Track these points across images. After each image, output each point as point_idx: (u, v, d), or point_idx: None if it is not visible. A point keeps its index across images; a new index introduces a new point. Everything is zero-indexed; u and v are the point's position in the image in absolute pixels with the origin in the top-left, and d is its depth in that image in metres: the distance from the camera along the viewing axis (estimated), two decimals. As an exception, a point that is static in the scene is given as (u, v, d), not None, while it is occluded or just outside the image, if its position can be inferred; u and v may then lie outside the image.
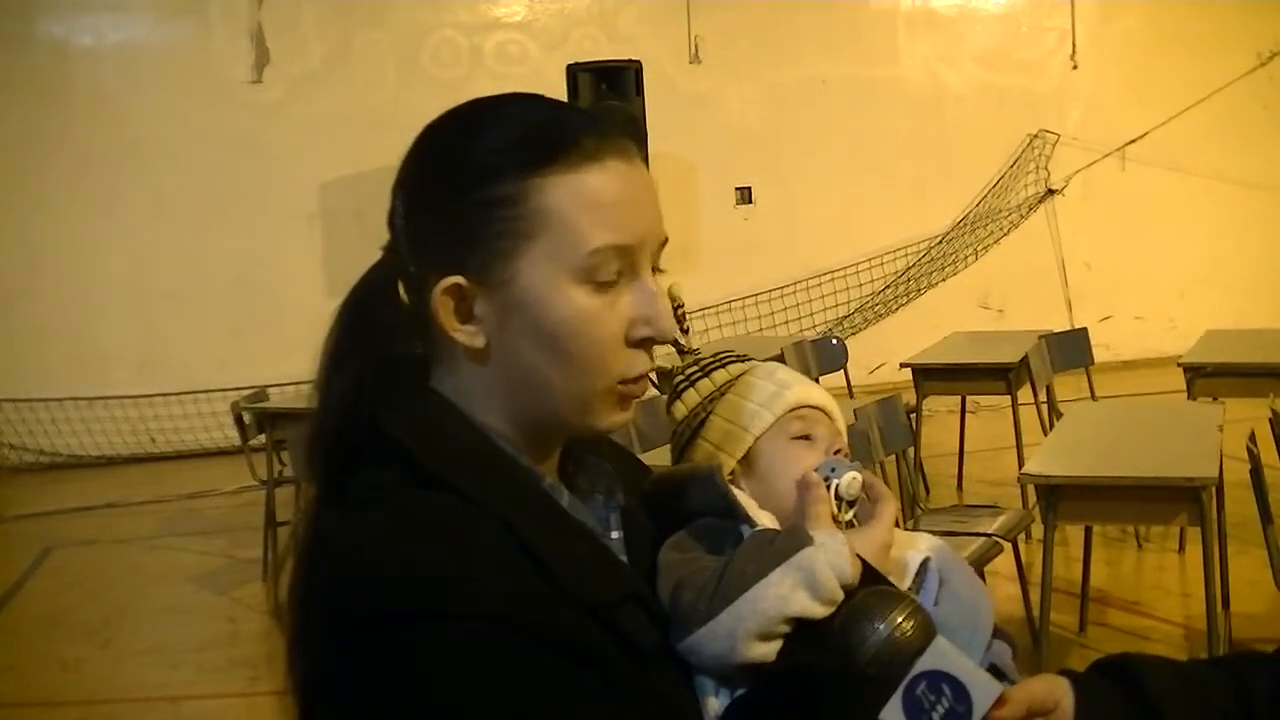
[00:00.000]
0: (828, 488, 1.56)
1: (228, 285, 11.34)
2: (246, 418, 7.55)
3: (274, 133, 11.38)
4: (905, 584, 1.55)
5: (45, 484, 10.16)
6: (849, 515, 1.56)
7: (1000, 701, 1.32)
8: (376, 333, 1.42)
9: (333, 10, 11.59)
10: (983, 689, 1.30)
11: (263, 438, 7.47)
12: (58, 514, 9.48)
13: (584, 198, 1.34)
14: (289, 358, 10.23)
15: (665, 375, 1.82)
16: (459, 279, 1.35)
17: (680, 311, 1.80)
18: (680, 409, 1.70)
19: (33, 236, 11.00)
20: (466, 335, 1.37)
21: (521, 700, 1.24)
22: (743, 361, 1.73)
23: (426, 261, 1.38)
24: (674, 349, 1.71)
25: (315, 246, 11.52)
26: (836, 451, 1.64)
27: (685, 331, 1.85)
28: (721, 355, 1.74)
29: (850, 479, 1.56)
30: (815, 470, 1.58)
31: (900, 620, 1.32)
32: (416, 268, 1.38)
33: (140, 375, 11.19)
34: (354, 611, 1.26)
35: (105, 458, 11.14)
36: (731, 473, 1.63)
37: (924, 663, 1.30)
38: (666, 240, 1.42)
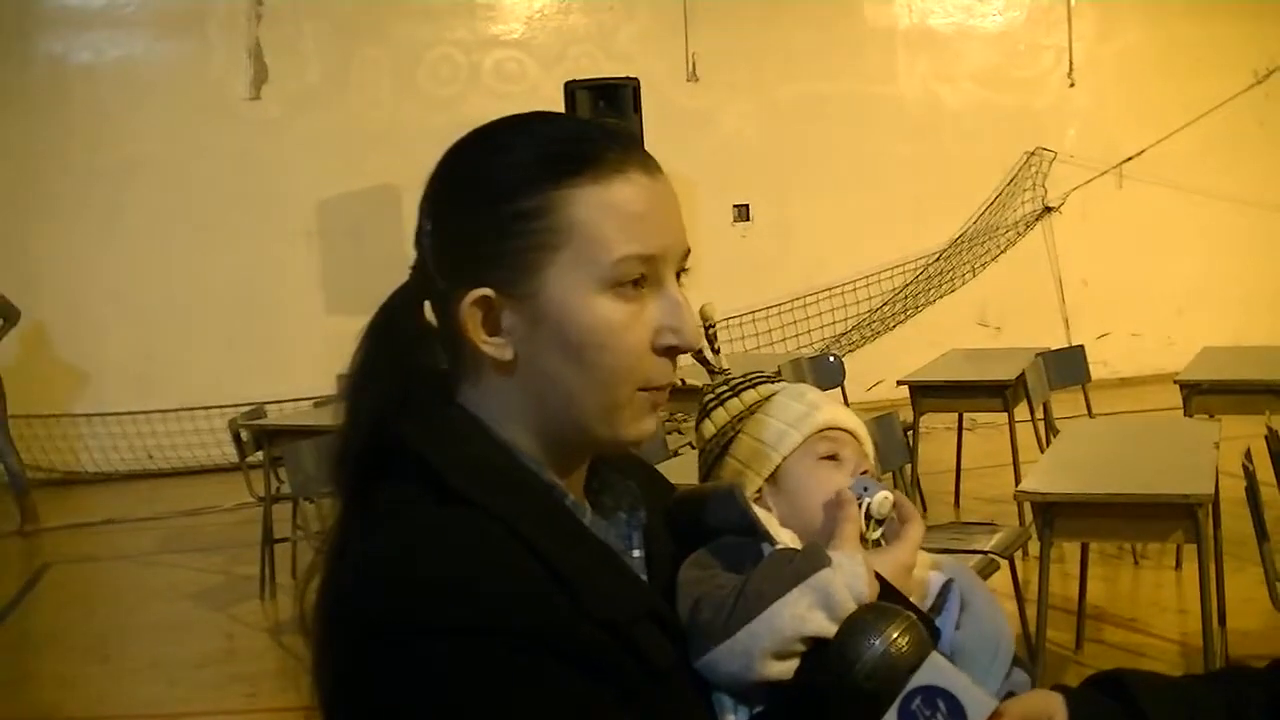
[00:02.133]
0: (859, 506, 1.56)
1: (226, 302, 11.34)
2: (244, 434, 7.55)
3: (272, 150, 11.40)
4: (926, 605, 1.55)
5: (43, 500, 10.13)
6: (877, 534, 1.57)
7: (995, 716, 1.33)
8: (403, 351, 1.43)
9: (331, 28, 11.61)
10: (977, 704, 1.31)
11: (260, 454, 7.47)
12: (56, 530, 9.48)
13: (609, 209, 1.36)
14: (287, 374, 10.27)
15: (696, 394, 1.82)
16: (487, 291, 1.37)
17: (712, 331, 1.81)
18: (709, 427, 1.71)
19: (31, 252, 11.01)
20: (494, 347, 1.39)
21: (536, 715, 1.26)
22: (773, 382, 1.74)
23: (454, 275, 1.39)
24: (705, 369, 1.71)
25: (313, 263, 11.54)
26: (863, 473, 1.64)
27: (717, 352, 1.86)
28: (752, 376, 1.75)
29: (882, 498, 1.57)
30: (849, 489, 1.59)
31: (896, 636, 1.32)
32: (444, 282, 1.40)
33: (138, 392, 11.19)
34: (373, 623, 1.28)
35: (103, 474, 11.16)
36: (759, 491, 1.65)
37: (919, 678, 1.31)
38: (689, 251, 1.44)
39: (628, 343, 1.37)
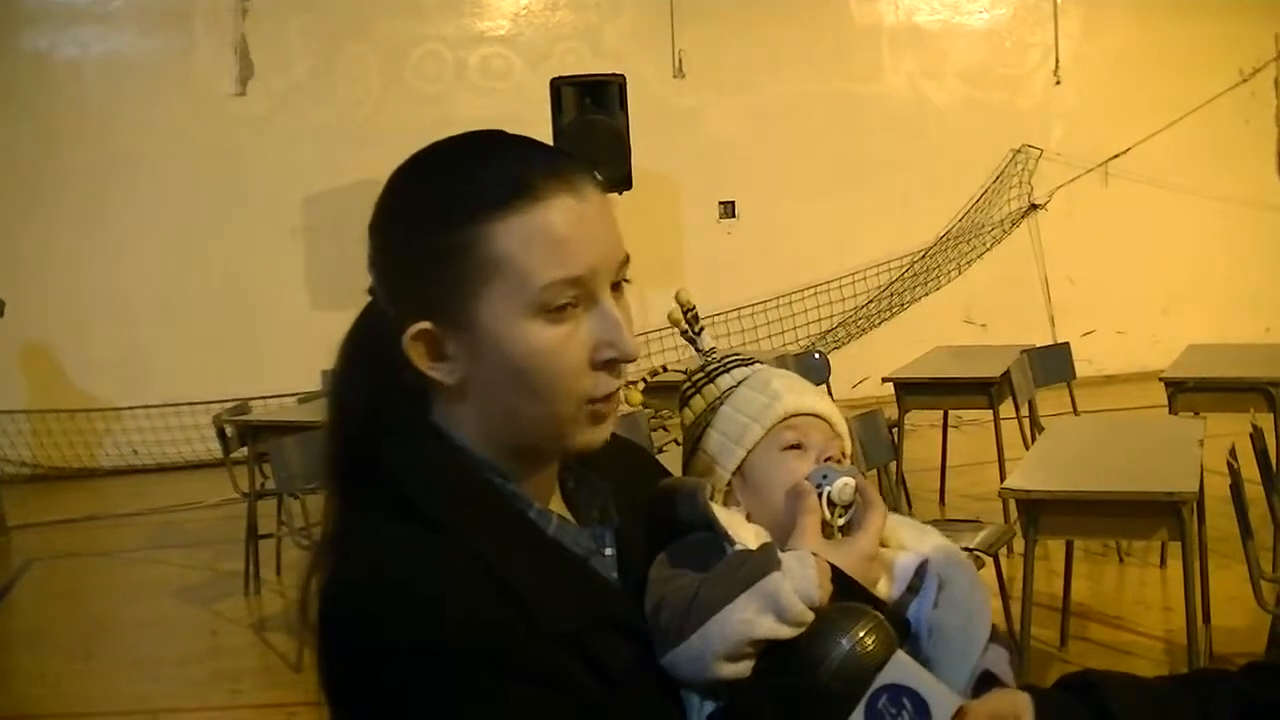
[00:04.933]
0: (820, 494, 1.57)
1: (210, 298, 11.31)
2: (229, 430, 7.53)
3: (258, 146, 11.37)
4: (900, 587, 1.57)
5: (27, 496, 10.12)
6: (843, 520, 1.57)
7: (960, 714, 1.33)
8: (376, 367, 1.47)
9: (317, 23, 11.58)
10: (942, 702, 1.32)
11: (245, 450, 7.46)
12: (39, 526, 9.45)
13: (531, 238, 1.39)
14: (271, 371, 10.26)
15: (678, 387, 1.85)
16: (426, 324, 1.42)
17: (692, 314, 1.84)
18: (688, 415, 1.74)
19: (16, 248, 10.96)
20: (441, 373, 1.43)
21: None
22: (747, 365, 1.75)
23: (398, 305, 1.44)
24: (693, 349, 1.73)
25: (298, 259, 11.51)
26: (829, 457, 1.64)
27: (699, 332, 1.88)
28: (728, 360, 1.76)
29: (842, 485, 1.57)
30: (807, 478, 1.59)
31: (862, 635, 1.34)
32: (392, 310, 1.45)
33: (123, 388, 11.17)
34: (336, 645, 1.35)
35: (87, 470, 11.12)
36: (729, 485, 1.66)
37: (885, 676, 1.32)
38: (628, 259, 1.46)
39: (564, 363, 1.41)
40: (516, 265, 1.38)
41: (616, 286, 1.46)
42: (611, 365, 1.44)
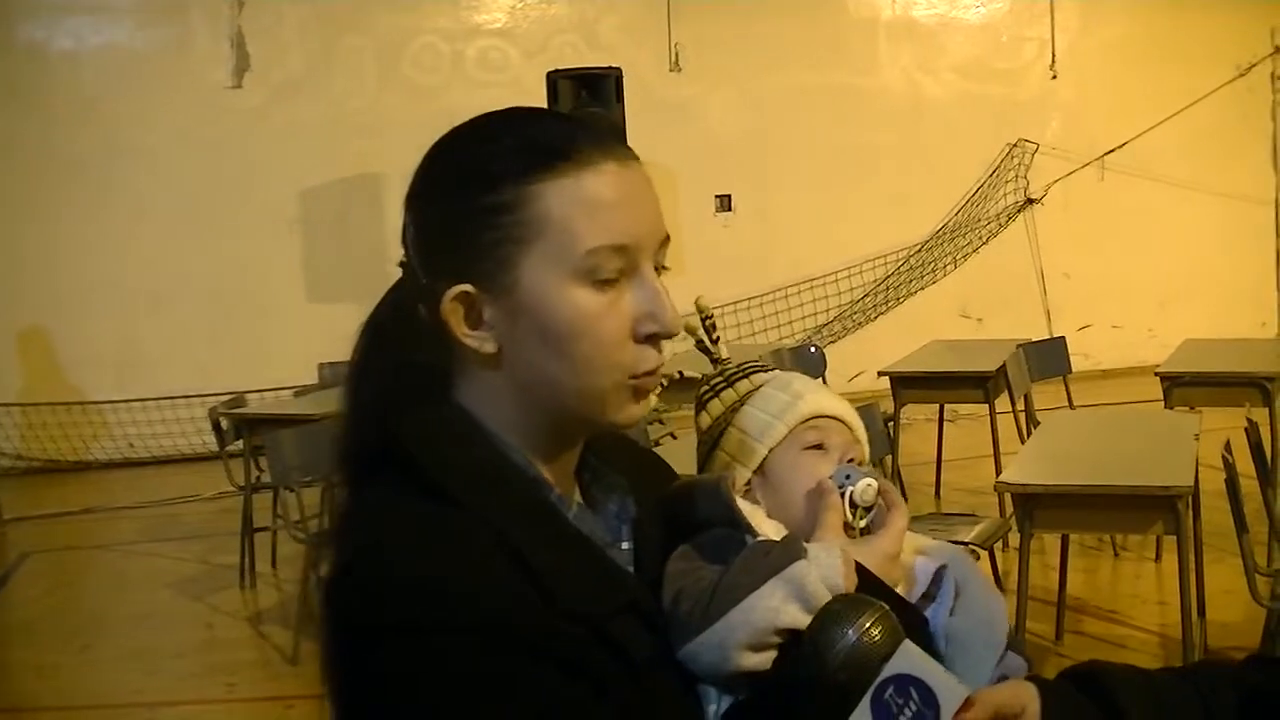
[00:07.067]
0: (842, 495, 1.57)
1: (207, 291, 11.30)
2: (224, 423, 7.52)
3: (254, 138, 11.35)
4: (917, 592, 1.57)
5: (23, 489, 10.12)
6: (864, 522, 1.58)
7: (967, 705, 1.33)
8: (398, 348, 1.45)
9: (314, 16, 11.57)
10: (949, 692, 1.31)
11: (240, 443, 7.45)
12: (35, 519, 9.45)
13: (580, 201, 1.37)
14: (268, 363, 10.26)
15: (685, 385, 1.85)
16: (466, 286, 1.39)
17: (710, 322, 1.86)
18: (705, 419, 1.73)
19: (11, 241, 10.95)
20: (477, 341, 1.41)
21: (508, 712, 1.26)
22: (767, 371, 1.75)
23: (435, 271, 1.41)
24: (707, 359, 1.73)
25: (295, 252, 11.50)
26: (850, 459, 1.65)
27: (715, 341, 1.90)
28: (746, 365, 1.77)
29: (865, 485, 1.58)
30: (830, 478, 1.60)
31: (868, 626, 1.33)
32: (427, 278, 1.42)
33: (119, 381, 11.16)
34: (352, 623, 1.31)
35: (83, 463, 11.11)
36: (749, 483, 1.66)
37: (892, 667, 1.31)
38: (668, 238, 1.46)
39: (606, 332, 1.38)
40: (562, 227, 1.37)
41: (656, 270, 1.44)
42: (653, 339, 1.42)
